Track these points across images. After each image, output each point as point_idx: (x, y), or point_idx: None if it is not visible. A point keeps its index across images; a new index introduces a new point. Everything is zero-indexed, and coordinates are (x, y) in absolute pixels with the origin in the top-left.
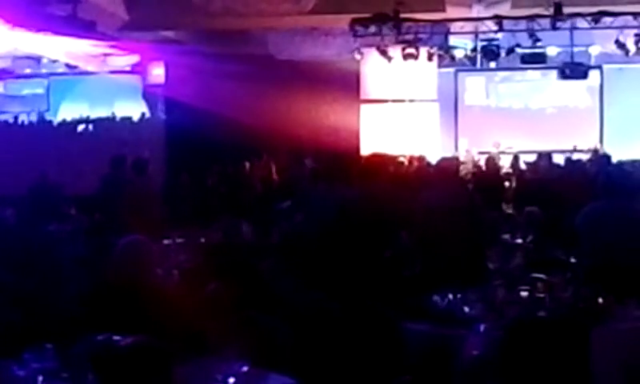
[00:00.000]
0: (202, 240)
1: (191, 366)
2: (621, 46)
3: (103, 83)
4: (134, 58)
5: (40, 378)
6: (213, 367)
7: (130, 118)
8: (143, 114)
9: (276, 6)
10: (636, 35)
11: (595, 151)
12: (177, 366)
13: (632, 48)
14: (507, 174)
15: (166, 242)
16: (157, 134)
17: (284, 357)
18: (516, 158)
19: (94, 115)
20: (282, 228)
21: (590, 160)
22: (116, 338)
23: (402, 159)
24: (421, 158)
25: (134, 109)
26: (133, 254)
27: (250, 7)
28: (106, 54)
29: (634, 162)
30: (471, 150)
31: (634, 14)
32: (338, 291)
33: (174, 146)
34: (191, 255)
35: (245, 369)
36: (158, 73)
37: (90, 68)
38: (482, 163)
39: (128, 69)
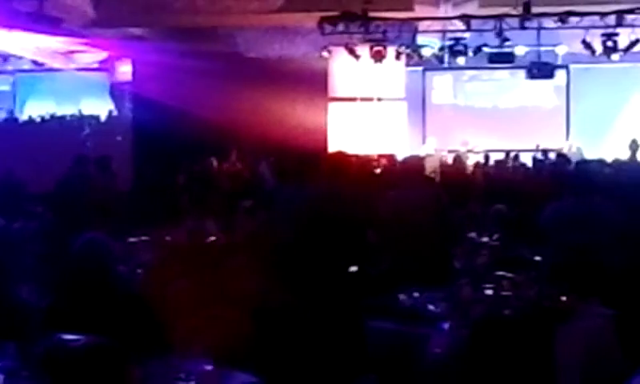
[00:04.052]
0: (168, 238)
1: (155, 364)
2: (587, 45)
3: (70, 80)
4: (101, 55)
5: (1, 377)
6: (177, 366)
7: (97, 116)
8: (110, 112)
9: (243, 4)
10: (602, 35)
11: (559, 153)
12: (140, 364)
13: (598, 48)
14: (474, 172)
15: (131, 239)
16: (124, 132)
17: (247, 355)
18: (485, 156)
19: (60, 112)
20: (246, 226)
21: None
22: (68, 337)
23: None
24: (389, 157)
25: (101, 106)
26: (91, 252)
27: (216, 5)
28: (72, 51)
29: (599, 161)
30: (438, 149)
31: (601, 14)
32: (304, 290)
33: (141, 143)
34: (156, 254)
35: (208, 367)
36: (125, 70)
37: (56, 65)
38: (450, 162)
39: (95, 66)
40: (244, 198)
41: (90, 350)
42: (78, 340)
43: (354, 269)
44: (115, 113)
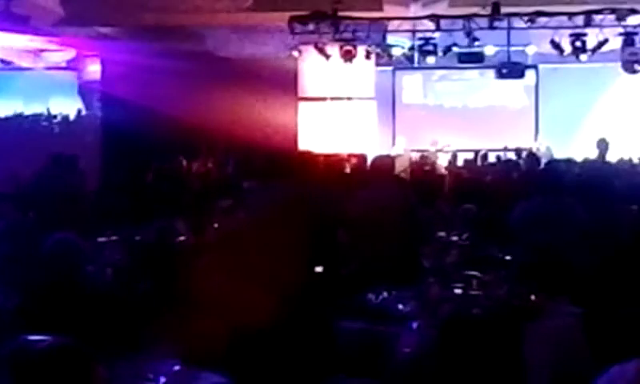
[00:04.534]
0: (137, 238)
1: (123, 364)
2: (556, 45)
3: (38, 79)
4: (70, 54)
5: None
6: (145, 366)
7: (65, 116)
8: (79, 111)
9: (213, 3)
10: (571, 35)
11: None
12: (108, 364)
13: (567, 48)
14: (448, 172)
15: (100, 239)
16: (93, 131)
17: (216, 355)
18: (454, 156)
19: (28, 111)
20: (222, 226)
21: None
22: (34, 338)
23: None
24: (359, 156)
25: (69, 105)
26: (61, 252)
27: (186, 4)
28: (40, 50)
29: (567, 161)
30: (408, 148)
31: (569, 15)
32: (275, 289)
33: (110, 142)
34: (126, 254)
35: (176, 368)
36: (93, 69)
37: (24, 63)
38: (419, 161)
39: (63, 65)
40: (217, 198)
41: (56, 350)
42: (43, 341)
43: (323, 269)
44: (84, 112)
